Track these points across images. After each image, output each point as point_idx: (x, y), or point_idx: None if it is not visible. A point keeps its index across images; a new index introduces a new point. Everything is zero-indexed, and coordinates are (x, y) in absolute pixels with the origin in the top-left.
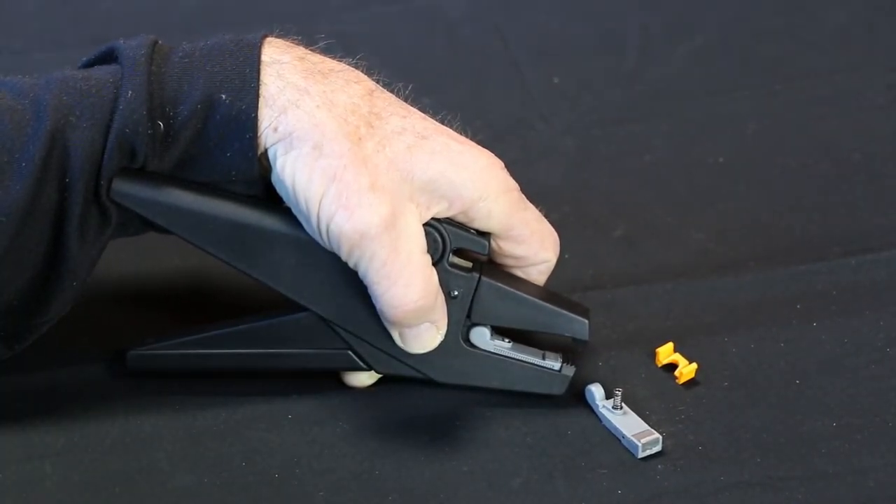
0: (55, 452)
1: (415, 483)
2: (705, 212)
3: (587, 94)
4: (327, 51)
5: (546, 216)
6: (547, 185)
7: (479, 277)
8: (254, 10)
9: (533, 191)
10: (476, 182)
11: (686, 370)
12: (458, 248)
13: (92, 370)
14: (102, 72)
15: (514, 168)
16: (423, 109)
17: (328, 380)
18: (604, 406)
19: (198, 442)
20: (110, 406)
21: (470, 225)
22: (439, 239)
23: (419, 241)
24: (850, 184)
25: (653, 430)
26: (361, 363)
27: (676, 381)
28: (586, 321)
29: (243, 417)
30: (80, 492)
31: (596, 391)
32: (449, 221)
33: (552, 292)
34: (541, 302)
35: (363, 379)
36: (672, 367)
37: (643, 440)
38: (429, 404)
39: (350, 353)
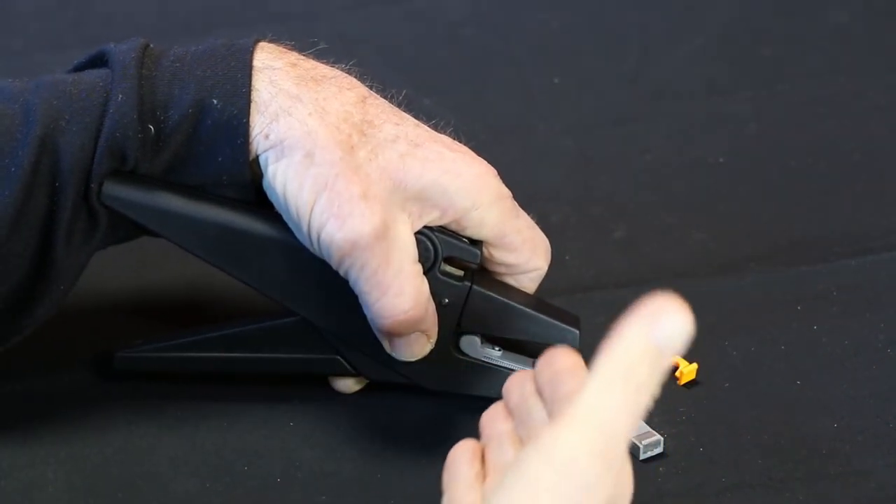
0: (57, 458)
1: (416, 487)
2: (705, 212)
3: (587, 94)
4: (326, 53)
5: (546, 217)
6: (547, 186)
7: (471, 286)
8: (254, 11)
9: (533, 191)
10: (469, 191)
11: (687, 370)
12: (449, 256)
13: (94, 377)
14: (92, 76)
15: (514, 168)
16: (423, 110)
17: (329, 385)
18: None
19: (200, 447)
20: (112, 412)
21: (462, 233)
22: (431, 247)
23: (411, 250)
24: (850, 184)
25: (654, 432)
26: (351, 369)
27: (677, 381)
28: (577, 331)
29: (245, 423)
30: (82, 497)
31: None
32: (441, 230)
33: (543, 301)
34: (531, 311)
35: (350, 384)
36: (673, 369)
37: (644, 442)
38: (430, 409)
39: (339, 358)
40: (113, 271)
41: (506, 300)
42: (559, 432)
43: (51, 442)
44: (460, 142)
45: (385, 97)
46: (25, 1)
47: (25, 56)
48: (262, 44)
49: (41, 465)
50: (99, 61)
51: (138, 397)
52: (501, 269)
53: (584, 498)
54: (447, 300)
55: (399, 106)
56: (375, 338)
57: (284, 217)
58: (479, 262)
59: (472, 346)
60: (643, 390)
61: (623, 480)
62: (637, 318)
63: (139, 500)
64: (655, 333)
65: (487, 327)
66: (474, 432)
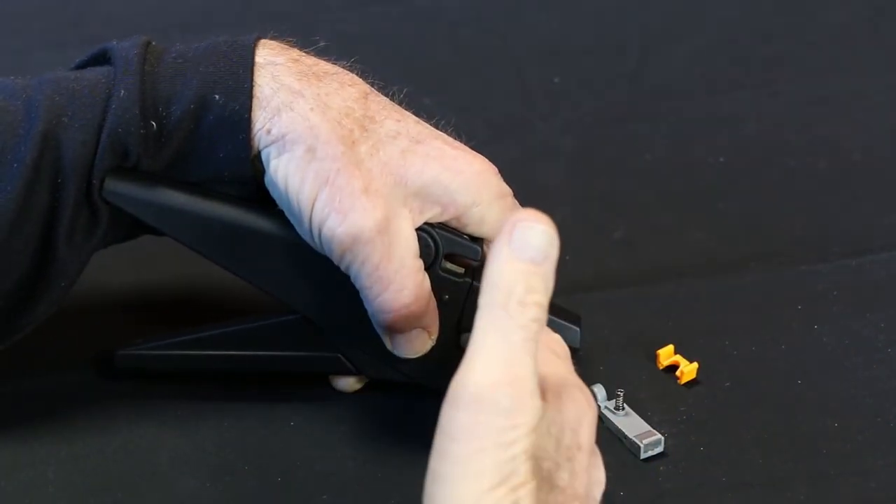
0: (57, 458)
1: (417, 487)
2: (705, 212)
3: (587, 94)
4: (327, 51)
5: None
6: (547, 185)
7: (471, 283)
8: (254, 11)
9: (533, 191)
10: (470, 188)
11: (687, 370)
12: (450, 253)
13: (95, 376)
14: (95, 72)
15: (513, 168)
16: (423, 110)
17: (330, 385)
18: (606, 407)
19: (200, 447)
20: (113, 411)
21: (462, 230)
22: (431, 244)
23: (412, 245)
24: (850, 184)
25: (655, 431)
26: (351, 367)
27: (678, 381)
28: (578, 329)
29: (246, 423)
30: (82, 497)
31: (598, 392)
32: (441, 226)
33: None
34: None
35: (351, 383)
36: (673, 368)
37: (645, 441)
38: (432, 408)
39: (340, 356)
40: (113, 270)
41: None
42: (459, 377)
43: (51, 442)
44: (460, 141)
45: (386, 95)
46: (26, 0)
47: (26, 55)
48: (263, 41)
49: (41, 465)
50: (101, 58)
51: (139, 396)
52: None
53: (506, 422)
54: (448, 297)
55: (400, 104)
56: (376, 335)
57: (286, 212)
58: (480, 259)
59: None
60: (528, 305)
61: (568, 406)
62: (497, 240)
63: (139, 500)
64: (518, 249)
65: None
66: None
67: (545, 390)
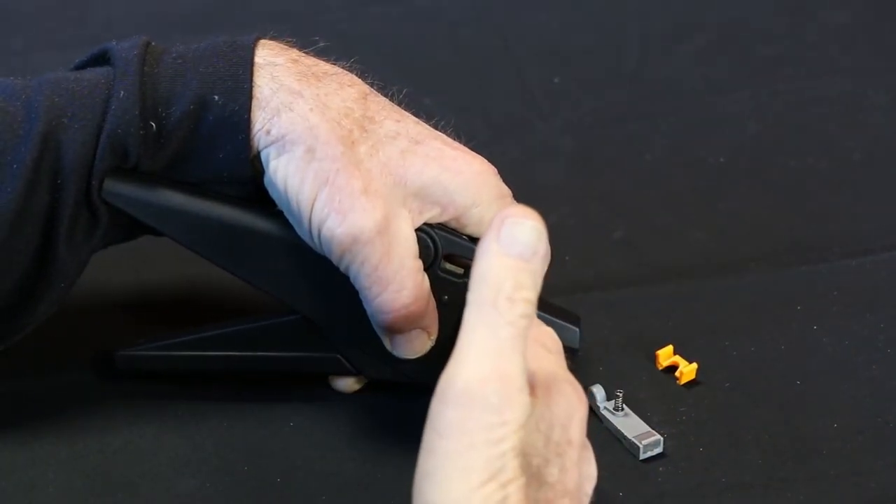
0: (57, 458)
1: None
2: (705, 212)
3: (587, 94)
4: (327, 51)
5: (546, 216)
6: (547, 185)
7: None
8: (254, 11)
9: (533, 191)
10: (469, 188)
11: (687, 370)
12: (449, 253)
13: (94, 376)
14: (95, 73)
15: (513, 168)
16: (423, 110)
17: (330, 385)
18: (605, 408)
19: (200, 448)
20: (113, 412)
21: (462, 231)
22: (431, 244)
23: (411, 245)
24: (850, 184)
25: (654, 432)
26: (351, 367)
27: (677, 381)
28: (577, 329)
29: (245, 423)
30: (82, 497)
31: (597, 393)
32: (441, 227)
33: (543, 299)
34: None
35: (351, 383)
36: (673, 369)
37: (644, 442)
38: None
39: (339, 357)
40: (113, 270)
41: None
42: (448, 373)
43: (51, 442)
44: (460, 141)
45: (386, 95)
46: (26, 0)
47: (26, 55)
48: (263, 41)
49: (41, 465)
50: (101, 59)
51: (139, 397)
52: None
53: (495, 419)
54: (447, 298)
55: (399, 104)
56: (376, 336)
57: (285, 212)
58: None
59: None
60: (517, 301)
61: (558, 401)
62: (486, 235)
63: (139, 500)
64: (507, 245)
65: None
66: None
67: (535, 386)
